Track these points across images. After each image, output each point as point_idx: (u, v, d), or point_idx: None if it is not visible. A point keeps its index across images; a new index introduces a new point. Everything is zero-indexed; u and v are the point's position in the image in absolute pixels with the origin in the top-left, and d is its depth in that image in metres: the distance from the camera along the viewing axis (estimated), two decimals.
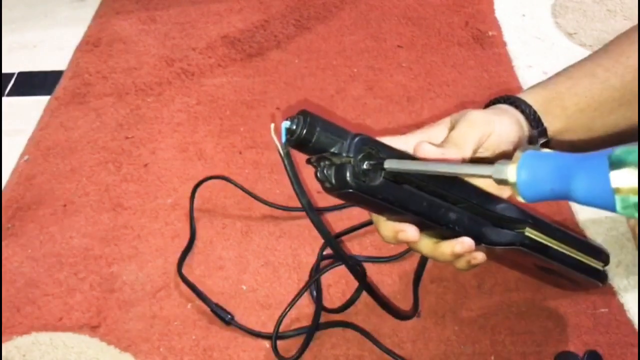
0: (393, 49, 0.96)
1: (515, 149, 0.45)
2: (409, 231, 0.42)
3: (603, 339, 0.60)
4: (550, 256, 0.47)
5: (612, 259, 0.66)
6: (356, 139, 0.39)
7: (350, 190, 0.38)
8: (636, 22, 0.51)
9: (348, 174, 0.38)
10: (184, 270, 0.68)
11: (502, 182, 0.32)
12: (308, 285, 0.65)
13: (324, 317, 0.63)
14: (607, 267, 0.52)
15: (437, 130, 0.46)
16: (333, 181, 0.38)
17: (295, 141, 0.38)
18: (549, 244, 0.46)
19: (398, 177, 0.40)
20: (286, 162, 0.39)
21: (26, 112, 0.90)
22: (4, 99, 0.94)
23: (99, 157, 0.82)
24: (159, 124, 0.86)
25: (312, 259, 0.68)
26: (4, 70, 0.99)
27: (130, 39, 1.01)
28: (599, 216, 0.71)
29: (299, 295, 0.64)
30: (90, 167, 0.81)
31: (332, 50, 0.96)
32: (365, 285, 0.50)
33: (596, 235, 0.69)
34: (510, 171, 0.32)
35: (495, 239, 0.44)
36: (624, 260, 0.67)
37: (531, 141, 0.48)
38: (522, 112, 0.48)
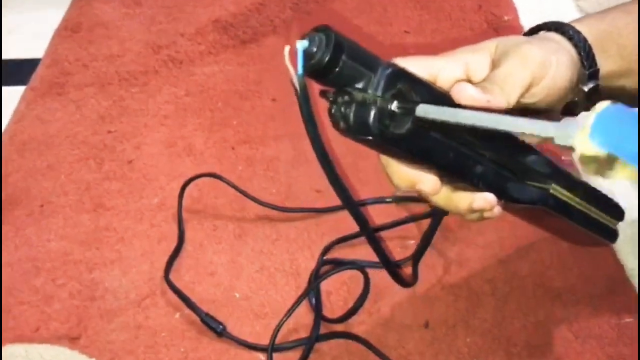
0: (400, 34, 0.96)
1: (566, 94, 0.42)
2: (429, 183, 0.39)
3: (627, 351, 0.60)
4: (571, 216, 0.46)
5: (637, 264, 0.66)
6: (387, 72, 0.35)
7: (371, 138, 0.34)
8: None
9: (372, 117, 0.34)
10: (172, 276, 0.68)
11: (567, 148, 0.28)
12: (307, 292, 0.65)
13: (324, 328, 0.63)
14: (619, 224, 0.52)
15: (478, 59, 0.41)
16: (351, 122, 0.34)
17: (312, 69, 0.33)
18: (571, 204, 0.46)
19: (427, 123, 0.35)
20: (302, 98, 0.34)
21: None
22: None
23: (78, 152, 0.82)
24: (144, 117, 0.86)
25: (311, 264, 0.68)
26: None
27: (113, 23, 1.01)
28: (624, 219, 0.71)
29: (297, 303, 0.64)
30: (69, 164, 0.81)
31: None
32: (368, 231, 0.46)
33: (621, 239, 0.69)
34: (582, 139, 0.27)
35: (518, 196, 0.42)
36: None
37: (578, 84, 0.44)
38: (575, 46, 0.44)
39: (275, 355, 0.61)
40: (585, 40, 0.44)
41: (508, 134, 0.41)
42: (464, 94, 0.37)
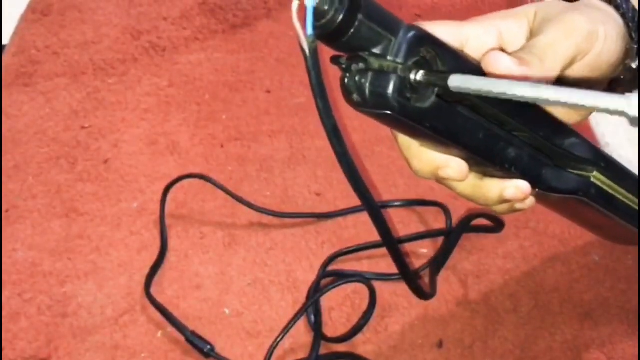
0: (411, 17, 0.96)
1: (612, 72, 0.41)
2: (455, 167, 0.38)
3: None
4: (614, 209, 0.45)
5: None
6: (410, 35, 0.33)
7: (389, 113, 0.33)
8: None
9: (391, 88, 0.32)
10: (153, 291, 0.68)
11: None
12: (305, 308, 0.65)
13: (325, 348, 0.63)
14: None
15: (514, 26, 0.40)
16: (367, 94, 0.32)
17: (325, 29, 0.32)
18: (616, 195, 0.45)
19: (455, 97, 0.34)
20: (311, 63, 0.32)
21: None
22: None
23: (49, 151, 0.82)
24: (123, 111, 0.86)
25: (310, 277, 0.68)
26: None
27: (88, 6, 1.01)
28: None
29: (294, 320, 0.64)
30: (38, 164, 0.81)
31: None
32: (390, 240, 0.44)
33: None
34: None
35: (556, 185, 0.41)
36: None
37: (625, 59, 0.43)
38: (623, 15, 0.42)
39: None
40: (634, 9, 0.43)
41: (544, 112, 0.40)
42: (498, 64, 0.36)
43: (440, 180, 0.40)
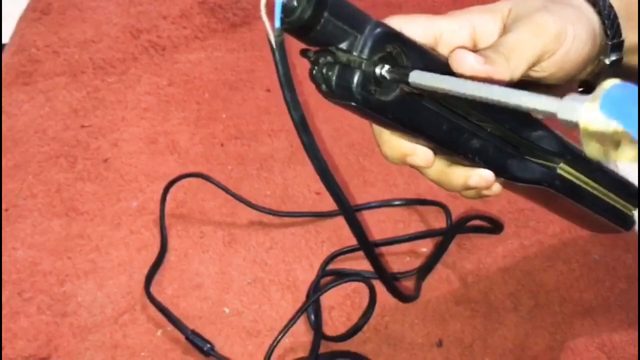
0: (380, 8, 0.96)
1: (580, 70, 0.42)
2: (421, 155, 0.39)
3: None
4: (580, 200, 0.46)
5: None
6: (376, 32, 0.35)
7: (353, 104, 0.35)
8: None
9: (355, 81, 0.34)
10: (153, 290, 0.68)
11: (572, 125, 0.28)
12: (305, 307, 0.65)
13: (325, 347, 0.63)
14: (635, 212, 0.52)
15: (488, 21, 0.41)
16: (333, 86, 0.34)
17: (293, 25, 0.33)
18: (582, 185, 0.46)
19: (418, 91, 0.36)
20: (278, 56, 0.33)
21: None
22: None
23: (48, 150, 0.82)
24: (122, 110, 0.86)
25: (310, 276, 0.68)
26: None
27: (87, 4, 1.01)
28: None
29: (294, 319, 0.64)
30: (38, 163, 0.81)
31: None
32: (365, 243, 0.45)
33: None
34: (588, 112, 0.27)
35: (521, 175, 0.43)
36: None
37: (598, 54, 0.44)
38: (599, 13, 0.43)
39: None
40: (610, 6, 0.43)
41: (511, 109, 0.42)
42: (463, 63, 0.37)
43: (407, 165, 0.41)
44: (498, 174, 0.42)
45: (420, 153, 0.40)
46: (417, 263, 0.69)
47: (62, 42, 0.96)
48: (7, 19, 1.00)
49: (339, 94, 0.35)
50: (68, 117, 0.86)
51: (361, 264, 0.69)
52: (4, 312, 0.67)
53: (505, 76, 0.38)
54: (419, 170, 0.42)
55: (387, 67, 0.35)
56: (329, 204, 0.74)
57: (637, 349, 0.62)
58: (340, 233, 0.72)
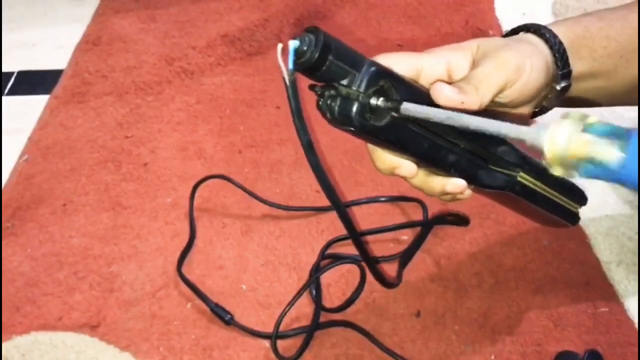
0: (394, 47, 0.96)
1: (537, 95, 0.43)
2: (406, 167, 0.40)
3: (603, 339, 0.60)
4: (536, 201, 0.47)
5: (613, 258, 0.66)
6: (371, 70, 0.35)
7: (352, 129, 0.35)
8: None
9: (354, 111, 0.35)
10: (184, 270, 0.68)
11: (537, 149, 0.29)
12: (308, 284, 0.65)
13: (324, 317, 0.63)
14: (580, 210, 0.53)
15: (460, 57, 0.41)
16: (336, 115, 0.35)
17: (302, 66, 0.34)
18: (537, 190, 0.46)
19: (405, 118, 0.36)
20: (290, 92, 0.34)
21: (26, 111, 0.90)
22: (3, 98, 0.94)
23: (98, 156, 0.82)
24: (159, 123, 0.86)
25: (312, 259, 0.68)
26: (3, 69, 0.99)
27: (130, 37, 1.01)
28: (598, 214, 0.71)
29: (298, 294, 0.64)
30: (89, 167, 0.80)
31: None
32: (355, 233, 0.46)
33: (597, 234, 0.69)
34: (549, 142, 0.28)
35: (488, 183, 0.43)
36: (624, 259, 0.66)
37: (552, 81, 0.44)
38: (551, 48, 0.44)
39: (278, 342, 0.61)
40: (560, 43, 0.44)
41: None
42: (441, 93, 0.37)
43: (396, 176, 0.42)
44: (469, 182, 0.42)
45: (406, 166, 0.40)
46: (399, 249, 0.69)
47: (110, 68, 0.96)
48: (65, 49, 1.00)
49: (340, 121, 0.35)
50: (114, 129, 0.86)
51: (354, 249, 0.69)
52: (62, 289, 0.67)
53: (476, 103, 0.38)
54: (405, 179, 0.43)
55: (381, 99, 0.35)
56: (327, 200, 0.74)
57: (579, 318, 0.62)
58: (337, 224, 0.72)
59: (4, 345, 0.63)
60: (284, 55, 0.33)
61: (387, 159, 0.40)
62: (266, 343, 0.62)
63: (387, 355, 0.60)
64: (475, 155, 0.42)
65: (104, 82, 0.93)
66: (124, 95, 0.91)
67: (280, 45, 0.32)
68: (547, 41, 0.44)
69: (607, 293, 0.64)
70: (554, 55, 0.44)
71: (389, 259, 0.68)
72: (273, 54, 0.96)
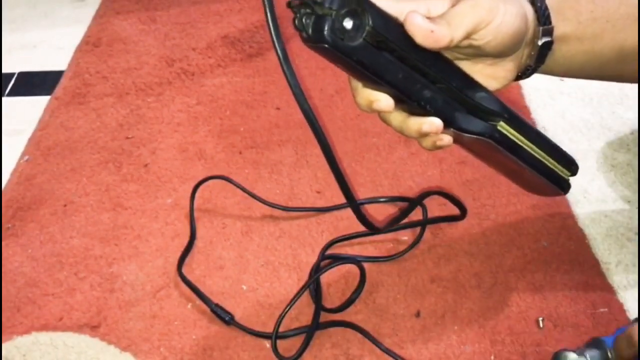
0: None
1: (513, 43, 0.43)
2: (383, 101, 0.41)
3: None
4: (519, 155, 0.46)
5: (612, 259, 0.66)
6: None
7: (325, 46, 0.36)
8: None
9: (326, 28, 0.36)
10: (184, 270, 0.68)
11: None
12: (308, 284, 0.65)
13: (324, 317, 0.63)
14: (571, 178, 0.51)
15: (437, 3, 0.43)
16: (310, 32, 0.37)
17: None
18: (519, 143, 0.46)
19: (380, 43, 0.38)
20: (266, 3, 0.36)
21: (26, 112, 0.90)
22: (4, 99, 0.94)
23: (99, 157, 0.82)
24: (159, 124, 0.86)
25: (312, 259, 0.68)
26: (4, 70, 0.99)
27: (131, 39, 1.01)
28: (598, 215, 0.71)
29: (298, 294, 0.64)
30: (90, 167, 0.81)
31: None
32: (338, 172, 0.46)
33: (596, 234, 0.69)
34: None
35: (466, 126, 0.43)
36: (624, 260, 0.67)
37: (533, 39, 0.45)
38: (533, 3, 0.45)
39: (279, 342, 0.61)
40: (543, 0, 0.45)
41: (458, 68, 0.42)
42: (413, 20, 0.39)
43: (377, 113, 0.43)
44: (447, 124, 0.42)
45: (382, 99, 0.41)
46: (399, 249, 0.69)
47: (110, 69, 0.96)
48: (65, 50, 1.00)
49: (314, 37, 0.36)
50: (115, 130, 0.86)
51: (354, 249, 0.69)
52: (62, 289, 0.67)
53: (447, 35, 0.39)
54: (385, 120, 0.44)
55: (350, 18, 0.37)
56: (327, 201, 0.74)
57: (578, 319, 0.62)
58: (336, 224, 0.72)
59: (4, 345, 0.63)
60: None
61: (367, 94, 0.41)
62: (266, 343, 0.62)
63: (387, 355, 0.60)
64: (452, 98, 0.42)
65: (104, 83, 0.93)
66: (124, 96, 0.91)
67: None
68: (532, 2, 0.45)
69: (607, 293, 0.64)
70: (536, 12, 0.45)
71: (389, 259, 0.68)
72: (273, 56, 0.96)
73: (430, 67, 0.40)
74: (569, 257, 0.67)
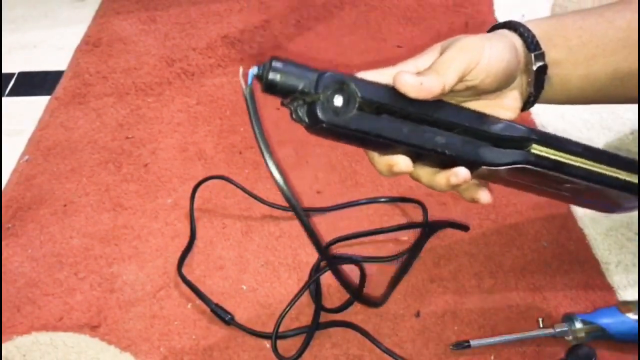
0: (393, 49, 0.96)
1: (507, 75, 0.43)
2: (401, 163, 0.41)
3: (602, 341, 0.60)
4: (567, 172, 0.43)
5: (612, 259, 0.66)
6: (324, 75, 0.38)
7: (324, 125, 0.38)
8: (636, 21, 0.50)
9: (318, 110, 0.38)
10: (184, 270, 0.68)
11: None
12: (308, 285, 0.65)
13: (324, 317, 0.63)
14: None
15: (425, 60, 0.43)
16: (306, 119, 0.39)
17: (264, 86, 0.39)
18: (562, 160, 0.43)
19: (378, 109, 0.39)
20: (249, 102, 0.40)
21: (26, 112, 0.90)
22: (4, 99, 0.94)
23: (99, 157, 0.82)
24: (159, 124, 0.86)
25: (312, 259, 0.68)
26: (4, 70, 0.99)
27: (131, 39, 1.01)
28: (598, 215, 0.71)
29: (298, 295, 0.64)
30: (90, 167, 0.81)
31: (332, 50, 0.96)
32: (333, 267, 0.47)
33: (596, 235, 0.69)
34: None
35: (496, 160, 0.41)
36: (624, 260, 0.67)
37: (527, 66, 0.45)
38: (521, 35, 0.46)
39: (279, 342, 0.61)
40: (529, 30, 0.46)
41: (463, 107, 0.42)
42: (400, 78, 0.39)
43: (400, 175, 0.43)
44: (475, 164, 0.41)
45: (400, 161, 0.41)
46: (399, 249, 0.69)
47: (110, 69, 0.96)
48: (65, 50, 1.00)
49: (312, 122, 0.38)
50: (115, 130, 0.86)
51: (353, 249, 0.69)
52: (62, 289, 0.67)
53: (437, 83, 0.39)
54: (416, 180, 0.43)
55: (337, 95, 0.38)
56: (327, 201, 0.74)
57: None
58: (336, 224, 0.72)
59: (4, 345, 0.63)
60: (244, 78, 0.40)
61: (383, 159, 0.41)
62: (266, 343, 0.62)
63: (387, 355, 0.60)
64: (471, 136, 0.41)
65: (104, 83, 0.93)
66: (124, 96, 0.91)
67: (241, 69, 0.40)
68: (515, 30, 0.46)
69: (607, 293, 0.64)
70: (525, 41, 0.45)
71: (389, 259, 0.68)
72: (271, 54, 0.96)
73: (436, 115, 0.40)
74: (569, 257, 0.67)
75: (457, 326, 0.62)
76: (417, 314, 0.63)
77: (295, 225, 0.72)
